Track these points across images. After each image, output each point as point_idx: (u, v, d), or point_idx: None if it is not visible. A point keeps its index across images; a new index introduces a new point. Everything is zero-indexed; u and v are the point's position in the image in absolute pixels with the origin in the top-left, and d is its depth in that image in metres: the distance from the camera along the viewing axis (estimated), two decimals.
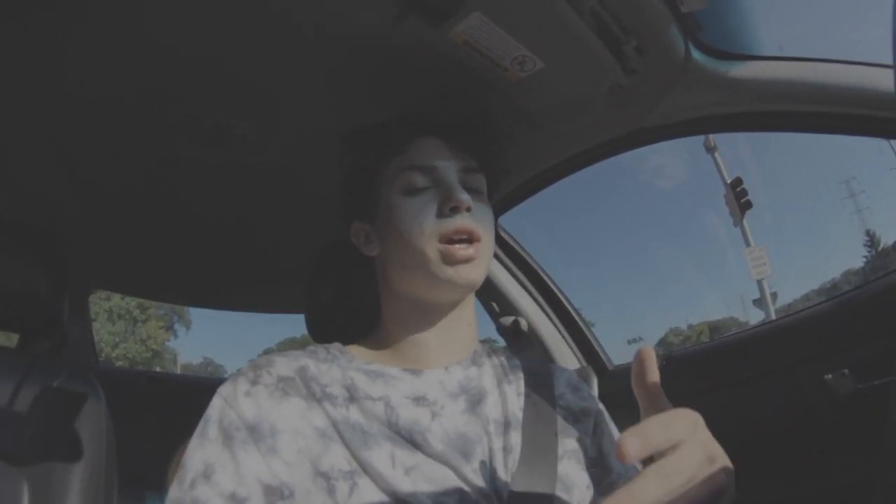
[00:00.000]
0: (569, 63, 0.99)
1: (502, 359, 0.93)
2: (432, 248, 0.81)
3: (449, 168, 0.87)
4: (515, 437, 0.78)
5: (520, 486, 0.73)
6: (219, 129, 1.19)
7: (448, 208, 0.82)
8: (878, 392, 1.01)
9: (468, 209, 0.83)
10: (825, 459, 1.14)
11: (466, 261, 0.81)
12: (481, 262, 0.84)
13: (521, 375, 0.90)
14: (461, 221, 0.82)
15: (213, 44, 0.98)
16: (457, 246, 0.81)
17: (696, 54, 1.04)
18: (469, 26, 0.90)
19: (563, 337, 1.70)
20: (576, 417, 0.88)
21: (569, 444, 0.82)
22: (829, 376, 1.09)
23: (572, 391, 0.92)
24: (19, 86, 1.07)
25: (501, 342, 1.76)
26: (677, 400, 1.27)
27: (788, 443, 1.19)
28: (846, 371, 1.08)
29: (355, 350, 0.88)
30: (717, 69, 1.06)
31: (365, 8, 0.89)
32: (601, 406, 0.93)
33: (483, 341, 0.97)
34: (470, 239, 0.82)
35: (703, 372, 1.35)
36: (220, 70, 1.04)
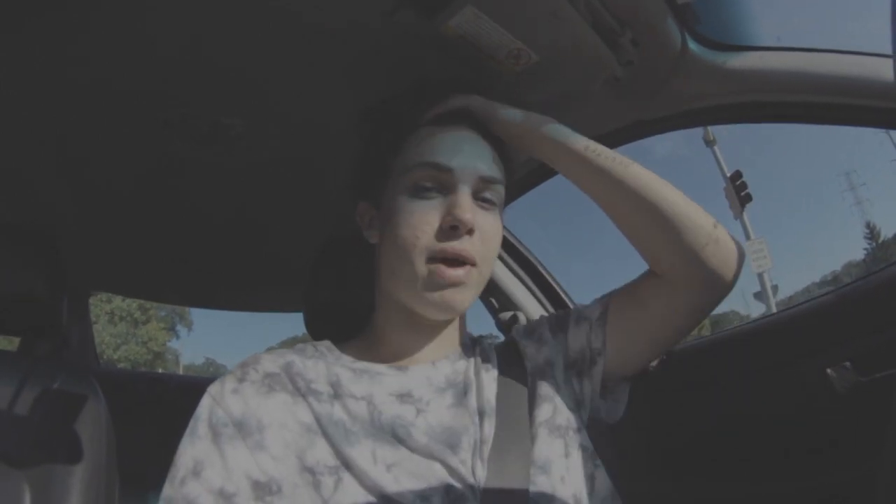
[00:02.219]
0: (564, 56, 0.98)
1: (485, 347, 0.92)
2: (421, 265, 0.78)
3: (465, 173, 0.81)
4: (489, 427, 0.77)
5: (492, 476, 0.72)
6: (216, 129, 1.19)
7: (448, 226, 0.77)
8: (880, 385, 1.01)
9: (470, 231, 0.79)
10: (827, 453, 1.13)
11: (453, 284, 0.78)
12: (470, 288, 0.81)
13: (496, 358, 0.89)
14: (458, 246, 0.78)
15: (208, 43, 0.98)
16: (447, 267, 0.77)
17: (693, 45, 1.03)
18: (462, 20, 0.89)
19: None
20: (542, 371, 0.87)
21: (542, 414, 0.81)
22: (831, 369, 1.09)
23: (533, 343, 0.91)
24: (17, 88, 1.07)
25: (501, 337, 1.76)
26: (677, 394, 1.27)
27: (789, 436, 1.18)
28: (848, 364, 1.07)
29: (345, 347, 0.88)
30: (715, 60, 1.06)
31: (357, 3, 0.89)
32: (554, 319, 0.94)
33: (475, 337, 0.97)
34: (463, 262, 0.79)
35: (704, 366, 1.34)
36: (217, 69, 1.03)
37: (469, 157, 0.82)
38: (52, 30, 0.93)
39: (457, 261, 0.78)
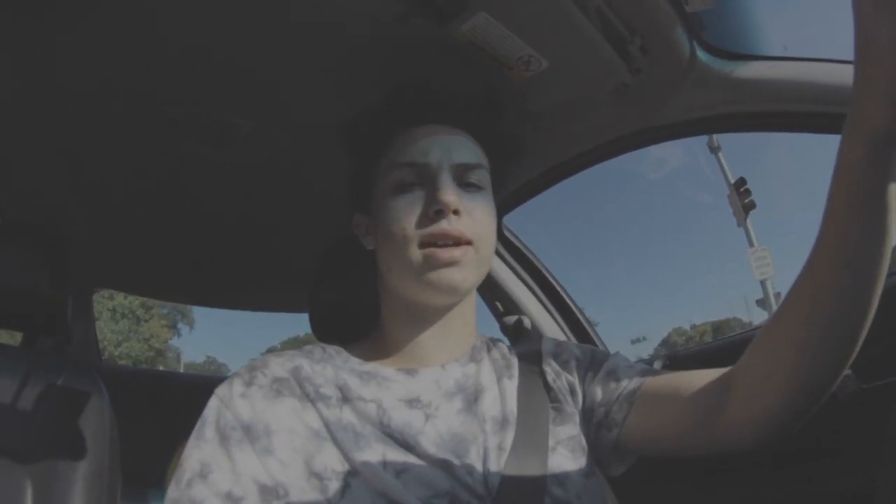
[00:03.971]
0: (574, 63, 0.99)
1: (504, 351, 0.92)
2: (415, 253, 0.78)
3: (442, 163, 0.82)
4: (510, 436, 0.77)
5: (507, 486, 0.72)
6: (224, 128, 1.19)
7: (432, 211, 0.78)
8: (882, 392, 1.01)
9: (455, 212, 0.79)
10: (829, 460, 1.13)
11: (450, 264, 0.78)
12: (469, 266, 0.80)
13: (518, 365, 0.89)
14: (445, 226, 0.78)
15: (218, 42, 0.98)
16: (440, 249, 0.78)
17: (702, 54, 1.04)
18: (474, 26, 0.90)
19: (567, 336, 1.69)
20: (565, 392, 0.86)
21: (563, 432, 0.81)
22: None
23: (561, 365, 0.89)
24: (22, 85, 1.07)
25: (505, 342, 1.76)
26: None
27: (791, 443, 1.18)
28: (850, 372, 1.07)
29: (353, 350, 0.88)
30: (723, 69, 1.06)
31: (370, 6, 0.89)
32: (589, 354, 0.91)
33: (488, 338, 0.96)
34: (456, 242, 0.79)
35: None
36: (226, 69, 1.04)
37: (444, 149, 0.84)
38: (58, 28, 0.94)
39: (448, 242, 0.79)
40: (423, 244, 0.78)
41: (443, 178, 0.81)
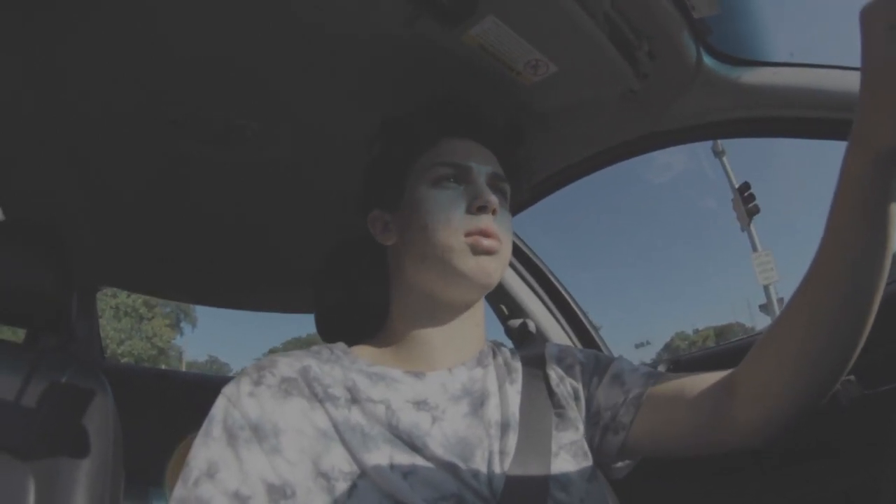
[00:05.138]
0: (582, 67, 0.99)
1: (507, 356, 0.92)
2: (458, 240, 0.82)
3: (481, 170, 0.88)
4: (513, 440, 0.78)
5: (511, 489, 0.73)
6: (229, 129, 1.19)
7: (476, 207, 0.83)
8: (884, 398, 1.01)
9: (494, 212, 0.84)
10: (831, 465, 1.13)
11: (489, 252, 0.82)
12: (501, 261, 0.85)
13: (521, 369, 0.90)
14: (487, 222, 0.83)
15: (223, 44, 0.98)
16: (484, 238, 0.82)
17: (708, 59, 1.04)
18: (483, 30, 0.90)
19: (571, 340, 1.69)
20: (567, 397, 0.87)
21: (565, 437, 0.82)
22: None
23: (565, 370, 0.90)
24: (27, 84, 1.07)
25: (510, 344, 1.76)
26: None
27: (794, 448, 1.18)
28: (852, 377, 1.07)
29: (360, 351, 0.88)
30: (729, 75, 1.06)
31: (377, 9, 0.89)
32: (593, 359, 0.92)
33: (493, 342, 0.96)
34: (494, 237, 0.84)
35: None
36: (231, 70, 1.04)
37: (482, 159, 0.90)
38: (61, 27, 0.94)
39: (489, 235, 0.83)
40: (468, 234, 0.83)
41: (483, 182, 0.88)
